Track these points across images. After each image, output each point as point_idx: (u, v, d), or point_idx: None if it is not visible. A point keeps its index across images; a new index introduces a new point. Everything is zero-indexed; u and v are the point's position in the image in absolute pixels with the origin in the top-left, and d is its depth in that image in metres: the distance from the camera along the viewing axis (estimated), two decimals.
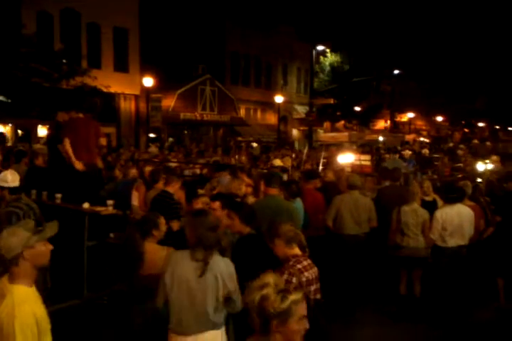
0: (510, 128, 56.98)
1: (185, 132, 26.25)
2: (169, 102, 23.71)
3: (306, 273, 3.20)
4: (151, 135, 22.95)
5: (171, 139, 24.61)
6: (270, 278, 2.25)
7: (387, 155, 17.63)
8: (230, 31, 28.37)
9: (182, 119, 24.50)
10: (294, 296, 2.09)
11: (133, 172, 7.71)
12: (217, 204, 4.24)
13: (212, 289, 3.00)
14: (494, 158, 12.06)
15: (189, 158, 14.83)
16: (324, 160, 15.12)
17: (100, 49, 21.31)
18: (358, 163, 14.29)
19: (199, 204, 4.68)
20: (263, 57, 31.36)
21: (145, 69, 21.63)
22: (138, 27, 22.59)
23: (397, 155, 15.03)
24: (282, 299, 2.04)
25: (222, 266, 3.05)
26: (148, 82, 20.47)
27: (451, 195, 5.86)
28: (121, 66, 22.14)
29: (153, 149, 16.97)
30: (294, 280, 3.13)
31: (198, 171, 11.43)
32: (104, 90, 17.59)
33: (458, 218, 5.74)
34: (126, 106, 22.86)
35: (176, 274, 3.04)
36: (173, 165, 11.67)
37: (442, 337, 5.39)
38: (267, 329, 2.04)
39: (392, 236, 5.98)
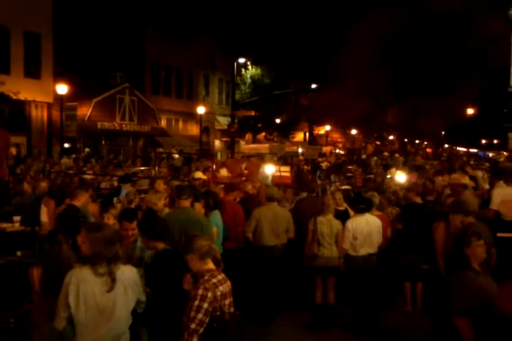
0: (417, 141, 61.45)
1: (103, 142, 25.31)
2: (85, 111, 22.80)
3: (220, 287, 3.23)
4: (66, 145, 21.86)
5: (87, 150, 23.59)
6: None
7: (305, 167, 18.25)
8: (151, 40, 27.98)
9: (99, 129, 23.65)
10: None
11: (43, 185, 7.30)
12: (134, 224, 4.12)
13: (123, 300, 3.02)
14: (403, 169, 12.93)
15: (106, 169, 14.30)
16: (245, 172, 15.34)
17: (9, 54, 20.05)
18: (278, 174, 14.67)
19: (110, 218, 4.54)
20: (185, 67, 31.25)
21: (59, 76, 20.62)
22: (51, 32, 21.56)
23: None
24: None
25: (128, 274, 3.10)
26: (62, 89, 19.54)
27: (360, 205, 6.20)
28: (32, 72, 20.94)
29: (66, 160, 16.14)
30: (209, 294, 3.15)
31: (115, 183, 11.06)
32: (13, 97, 16.52)
33: (367, 227, 6.07)
34: (38, 115, 21.60)
35: (82, 293, 2.97)
36: (88, 177, 11.20)
37: None
38: None
39: (308, 246, 6.18)
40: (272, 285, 6.06)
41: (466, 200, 5.60)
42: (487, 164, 17.41)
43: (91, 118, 23.21)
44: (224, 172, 12.63)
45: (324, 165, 15.68)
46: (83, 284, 2.97)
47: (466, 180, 6.91)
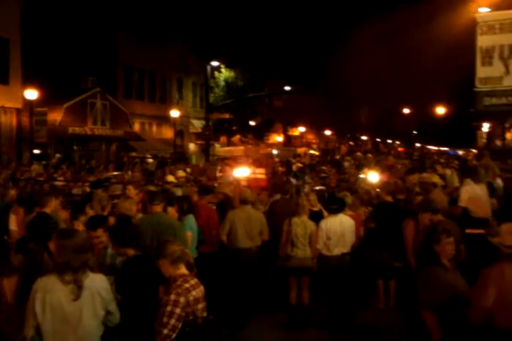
0: (389, 141, 62.46)
1: (75, 148, 24.89)
2: (56, 116, 22.40)
3: (193, 292, 3.22)
4: (36, 151, 21.41)
5: (58, 155, 23.14)
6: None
7: (280, 168, 18.33)
8: (123, 43, 27.68)
9: (70, 134, 23.26)
10: None
11: (12, 193, 7.15)
12: (99, 232, 4.07)
13: (90, 308, 2.98)
14: (375, 169, 13.12)
15: (78, 175, 14.07)
16: (220, 175, 15.30)
17: None
18: (253, 176, 14.70)
19: (80, 226, 4.48)
20: (158, 70, 31.03)
21: (28, 82, 20.20)
22: (20, 37, 21.13)
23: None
24: None
25: (97, 282, 3.05)
26: (32, 94, 19.15)
27: (333, 206, 6.28)
28: (0, 78, 20.48)
29: (37, 167, 15.80)
30: (182, 299, 3.13)
31: (88, 189, 10.89)
32: None
33: (340, 227, 6.16)
34: (7, 121, 21.11)
35: (48, 301, 2.93)
36: (59, 183, 11.00)
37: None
38: None
39: (282, 247, 6.22)
40: (247, 288, 6.08)
41: (434, 199, 5.73)
42: (456, 162, 17.82)
43: (62, 124, 22.81)
44: None
45: (295, 166, 15.74)
46: (50, 292, 2.93)
47: (435, 179, 7.08)
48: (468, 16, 10.05)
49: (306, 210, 6.41)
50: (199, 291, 3.26)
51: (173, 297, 3.12)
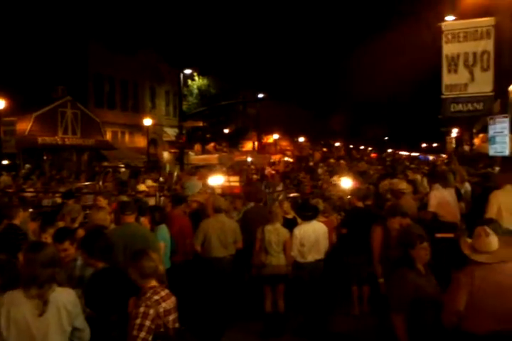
0: (362, 147, 63.46)
1: (45, 158, 24.37)
2: (25, 126, 21.95)
3: (163, 304, 3.18)
4: (5, 162, 20.86)
5: (27, 166, 22.59)
6: None
7: (254, 176, 18.35)
8: (93, 52, 27.38)
9: (40, 144, 22.81)
10: None
11: None
12: (66, 245, 3.99)
13: (56, 323, 2.91)
14: (348, 175, 13.30)
15: (48, 186, 13.76)
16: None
17: None
18: (227, 184, 14.66)
19: (48, 238, 4.38)
20: (130, 79, 30.78)
21: None
22: None
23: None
24: None
25: (63, 296, 2.97)
26: None
27: (307, 213, 6.32)
28: None
29: (5, 178, 15.38)
30: (151, 311, 3.10)
31: (58, 200, 10.65)
32: None
33: (314, 234, 6.20)
34: None
35: (12, 316, 2.85)
36: (29, 195, 10.74)
37: None
38: None
39: (256, 256, 6.21)
40: (221, 298, 6.03)
41: (401, 203, 5.81)
42: (426, 168, 18.21)
43: (31, 133, 22.36)
44: None
45: (267, 172, 15.80)
46: (14, 307, 2.86)
47: (402, 185, 7.20)
48: (435, 25, 10.34)
49: (279, 218, 6.42)
50: (170, 302, 3.23)
51: (142, 309, 3.09)
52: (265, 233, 6.18)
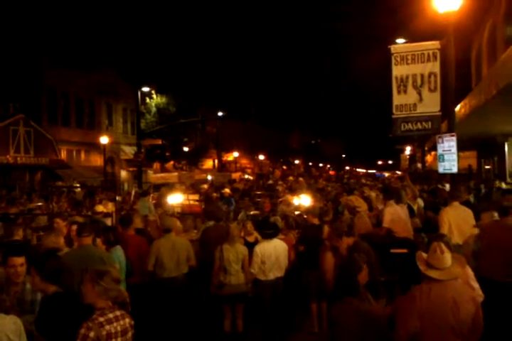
0: (320, 165, 64.61)
1: None
2: None
3: (107, 327, 3.07)
4: None
5: None
6: None
7: (214, 194, 18.23)
8: (47, 69, 26.78)
9: None
10: None
11: None
12: (19, 261, 3.82)
13: None
14: (307, 192, 13.45)
15: None
16: (154, 201, 14.95)
17: None
18: (187, 202, 14.50)
19: None
20: (85, 96, 30.22)
21: None
22: None
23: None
24: None
25: (7, 324, 2.86)
26: None
27: (268, 231, 6.33)
28: None
29: None
30: (92, 334, 2.99)
31: None
32: None
33: (275, 252, 6.20)
34: None
35: None
36: None
37: None
38: None
39: (215, 275, 6.14)
40: (178, 318, 5.90)
41: (355, 221, 5.91)
42: (380, 185, 18.64)
43: None
44: None
45: (224, 191, 15.79)
46: None
47: (359, 203, 7.37)
48: (386, 49, 10.78)
49: (236, 240, 6.37)
50: (117, 325, 3.11)
51: (82, 331, 2.99)
52: (223, 252, 6.13)
